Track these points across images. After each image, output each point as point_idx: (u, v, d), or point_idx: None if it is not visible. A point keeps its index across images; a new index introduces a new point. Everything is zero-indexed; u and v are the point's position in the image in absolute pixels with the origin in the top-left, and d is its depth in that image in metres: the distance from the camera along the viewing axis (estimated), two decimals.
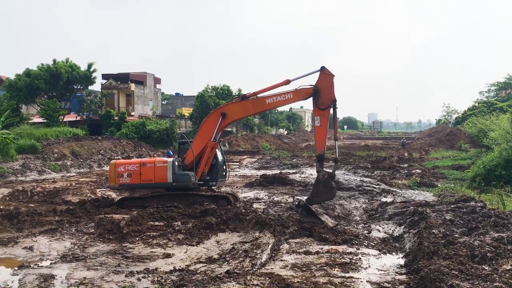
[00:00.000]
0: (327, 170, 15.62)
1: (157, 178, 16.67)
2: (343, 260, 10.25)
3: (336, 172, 15.85)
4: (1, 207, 15.74)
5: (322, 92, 15.28)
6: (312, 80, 15.53)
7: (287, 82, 15.87)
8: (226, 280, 8.81)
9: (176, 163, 16.78)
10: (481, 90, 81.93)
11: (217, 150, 17.53)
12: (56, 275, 9.31)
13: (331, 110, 15.45)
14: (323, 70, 15.37)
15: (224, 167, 18.32)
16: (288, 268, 9.74)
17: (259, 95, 16.74)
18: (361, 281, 8.90)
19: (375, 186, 21.95)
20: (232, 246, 11.42)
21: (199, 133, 17.19)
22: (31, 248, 11.54)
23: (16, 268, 9.85)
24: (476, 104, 68.01)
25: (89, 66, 48.50)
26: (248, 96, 16.61)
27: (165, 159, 17.10)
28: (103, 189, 21.89)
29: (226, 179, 18.88)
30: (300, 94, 15.96)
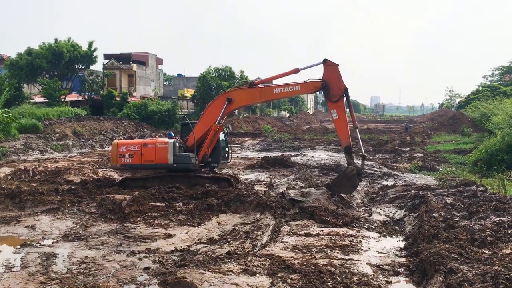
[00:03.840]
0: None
1: (158, 159, 16.70)
2: (343, 243, 10.29)
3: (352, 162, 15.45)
4: (4, 186, 15.80)
5: (331, 84, 15.12)
6: (322, 71, 15.36)
7: (296, 71, 15.68)
8: (227, 260, 8.87)
9: (177, 145, 16.78)
10: (485, 74, 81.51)
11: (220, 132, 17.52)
12: (58, 254, 9.38)
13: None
14: (325, 62, 15.17)
15: (227, 149, 18.32)
16: (289, 249, 9.79)
17: (267, 84, 16.62)
18: (361, 263, 8.95)
19: (376, 169, 21.95)
20: (233, 227, 11.48)
21: (204, 115, 17.15)
22: (33, 227, 11.62)
23: (18, 247, 9.94)
24: (480, 88, 67.57)
25: (90, 44, 48.19)
26: (256, 84, 16.47)
27: (166, 140, 17.10)
28: (104, 169, 21.95)
29: (229, 161, 18.87)
30: (308, 87, 15.84)
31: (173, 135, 18.38)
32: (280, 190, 15.86)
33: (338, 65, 15.18)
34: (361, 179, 15.57)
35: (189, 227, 11.69)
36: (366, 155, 16.13)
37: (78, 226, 11.70)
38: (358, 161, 16.59)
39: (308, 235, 10.94)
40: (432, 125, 62.99)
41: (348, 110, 15.51)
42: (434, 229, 9.89)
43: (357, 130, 15.79)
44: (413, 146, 34.96)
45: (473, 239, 9.15)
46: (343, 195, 15.12)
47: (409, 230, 11.32)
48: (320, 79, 15.31)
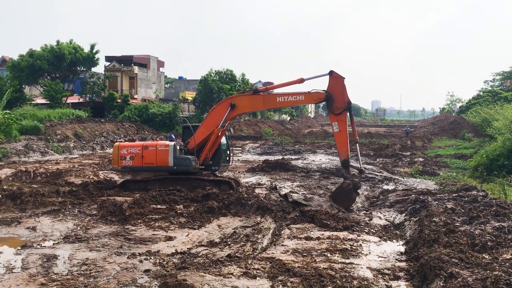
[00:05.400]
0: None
1: (159, 161, 16.74)
2: (343, 246, 10.30)
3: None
4: (5, 187, 15.83)
5: (335, 96, 15.02)
6: (327, 80, 15.32)
7: (301, 80, 15.64)
8: (227, 263, 8.88)
9: (178, 147, 16.81)
10: (486, 79, 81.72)
11: None
12: (58, 256, 9.40)
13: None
14: (332, 74, 15.05)
15: (228, 152, 18.31)
16: (289, 253, 9.80)
17: (271, 92, 16.59)
18: (361, 267, 8.95)
19: (377, 173, 21.96)
20: (233, 230, 11.49)
21: (206, 119, 17.18)
22: (34, 228, 11.64)
23: (19, 248, 9.95)
24: (481, 93, 67.65)
25: (92, 47, 48.33)
26: (260, 91, 16.46)
27: (167, 142, 17.14)
28: (105, 171, 21.98)
29: (230, 164, 18.85)
30: (312, 98, 15.79)
31: (174, 137, 18.40)
32: (283, 192, 15.86)
33: (344, 78, 15.09)
34: (358, 193, 15.47)
35: (189, 229, 11.70)
36: (363, 169, 15.97)
37: (79, 228, 11.71)
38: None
39: (308, 238, 10.95)
40: (433, 129, 63.09)
41: (350, 123, 15.42)
42: (434, 233, 9.90)
43: (357, 144, 15.69)
44: (413, 151, 34.98)
45: (474, 244, 9.16)
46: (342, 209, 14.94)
47: (409, 235, 11.32)
48: (324, 90, 15.25)
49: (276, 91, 16.91)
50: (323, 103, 16.96)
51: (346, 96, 15.03)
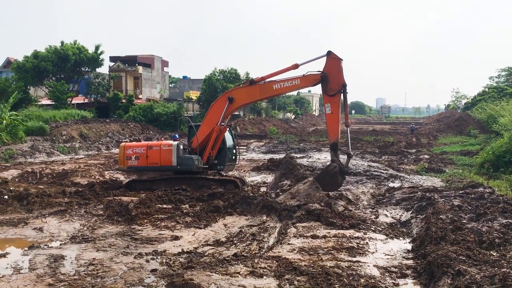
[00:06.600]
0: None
1: (163, 161, 16.76)
2: (350, 245, 10.26)
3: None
4: (11, 188, 15.89)
5: (331, 77, 14.76)
6: (322, 64, 15.21)
7: (296, 66, 15.50)
8: (234, 262, 8.88)
9: (182, 147, 16.81)
10: (491, 75, 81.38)
11: (227, 134, 17.49)
12: (65, 256, 9.43)
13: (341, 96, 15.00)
14: (329, 54, 14.82)
15: (234, 151, 18.24)
16: (295, 251, 9.78)
17: (266, 80, 16.47)
18: (368, 266, 8.92)
19: (382, 171, 21.87)
20: (239, 229, 11.49)
21: (207, 117, 17.11)
22: (41, 229, 11.68)
23: (27, 249, 9.99)
24: (486, 89, 67.25)
25: (97, 48, 48.54)
26: (256, 81, 16.37)
27: (170, 142, 17.15)
28: (111, 171, 22.04)
29: (236, 163, 18.79)
30: (307, 80, 15.58)
31: (177, 137, 18.39)
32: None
33: (341, 59, 14.81)
34: (344, 177, 15.33)
35: (195, 229, 11.71)
36: (351, 153, 15.72)
37: (85, 228, 11.75)
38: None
39: (314, 237, 10.92)
40: (438, 126, 62.73)
41: (344, 107, 15.16)
42: (441, 231, 9.86)
43: (348, 128, 15.34)
44: (419, 148, 34.83)
45: (481, 241, 9.11)
46: (328, 192, 14.73)
47: (416, 232, 11.27)
48: (319, 71, 15.01)
49: (271, 79, 16.68)
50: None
51: (342, 78, 14.74)
